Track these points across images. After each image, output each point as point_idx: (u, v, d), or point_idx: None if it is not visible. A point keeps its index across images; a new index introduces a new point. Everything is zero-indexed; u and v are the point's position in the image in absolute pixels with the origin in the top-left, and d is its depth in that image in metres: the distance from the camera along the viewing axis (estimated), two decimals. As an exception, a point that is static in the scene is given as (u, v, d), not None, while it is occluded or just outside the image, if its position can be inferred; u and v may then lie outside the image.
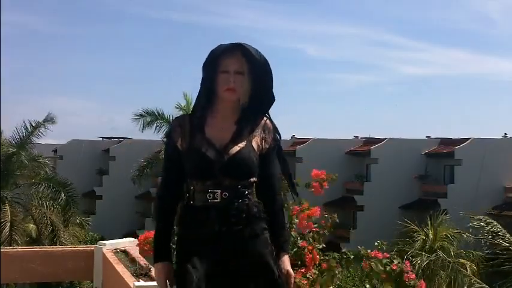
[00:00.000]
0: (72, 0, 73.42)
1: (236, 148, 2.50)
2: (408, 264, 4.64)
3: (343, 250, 4.81)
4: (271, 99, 2.63)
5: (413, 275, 4.55)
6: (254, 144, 2.54)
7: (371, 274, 4.59)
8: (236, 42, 2.53)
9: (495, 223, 10.43)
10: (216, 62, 2.53)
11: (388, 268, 4.57)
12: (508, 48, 68.21)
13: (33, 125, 19.75)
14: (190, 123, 2.58)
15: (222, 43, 2.55)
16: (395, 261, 4.60)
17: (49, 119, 19.97)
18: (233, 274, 2.46)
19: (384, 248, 4.77)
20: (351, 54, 71.44)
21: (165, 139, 2.64)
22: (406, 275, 4.53)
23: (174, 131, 2.59)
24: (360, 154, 37.59)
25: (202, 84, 2.59)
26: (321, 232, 4.80)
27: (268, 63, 2.56)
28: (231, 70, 2.52)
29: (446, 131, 69.10)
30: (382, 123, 73.60)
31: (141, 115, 23.02)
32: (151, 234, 5.48)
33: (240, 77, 2.52)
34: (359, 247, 4.87)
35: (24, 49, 70.26)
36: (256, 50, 2.53)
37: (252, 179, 2.53)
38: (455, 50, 67.63)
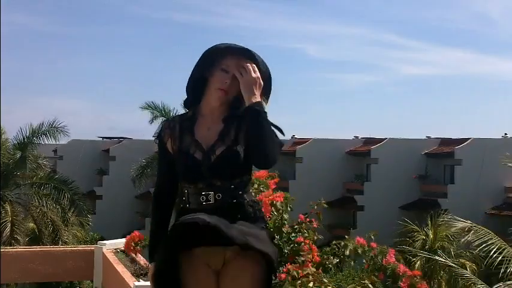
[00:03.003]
0: (72, 0, 73.45)
1: (222, 147, 2.47)
2: (392, 252, 4.66)
3: (334, 242, 4.85)
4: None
5: (393, 259, 4.57)
6: (241, 138, 2.49)
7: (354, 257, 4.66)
8: (245, 47, 2.48)
9: (479, 228, 10.38)
10: (218, 57, 2.49)
11: (369, 253, 4.62)
12: (508, 48, 68.29)
13: (38, 128, 19.75)
14: (180, 125, 2.56)
15: (227, 42, 2.51)
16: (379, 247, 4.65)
17: (54, 125, 19.98)
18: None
19: (373, 238, 4.82)
20: (351, 54, 71.49)
21: (156, 140, 2.62)
22: (384, 259, 4.56)
23: (164, 132, 2.58)
24: (360, 154, 37.57)
25: (195, 73, 2.55)
26: (313, 223, 4.84)
27: (270, 77, 2.53)
28: (231, 72, 2.48)
29: (447, 131, 69.15)
30: (382, 123, 73.59)
31: (149, 106, 22.52)
32: (137, 234, 5.51)
33: (236, 82, 2.48)
34: (346, 237, 4.92)
35: (24, 49, 70.28)
36: (263, 61, 2.50)
37: (245, 178, 2.51)
38: (455, 50, 67.69)
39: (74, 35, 69.10)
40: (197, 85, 2.55)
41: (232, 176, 2.46)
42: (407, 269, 4.60)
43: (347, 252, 4.66)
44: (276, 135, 2.43)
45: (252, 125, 2.40)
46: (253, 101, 2.41)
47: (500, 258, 9.82)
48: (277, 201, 4.77)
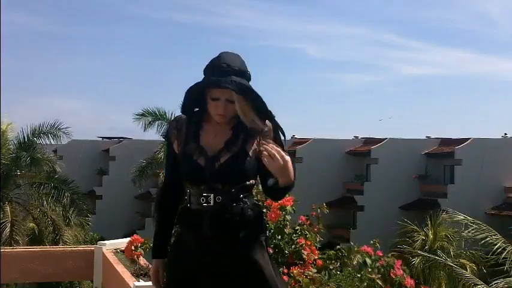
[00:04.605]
0: (72, 0, 73.46)
1: (228, 155, 2.49)
2: (399, 263, 4.64)
3: (338, 247, 4.84)
4: (271, 116, 2.55)
5: (401, 271, 4.56)
6: (249, 148, 2.51)
7: (361, 267, 4.63)
8: (224, 80, 2.43)
9: (484, 227, 10.29)
10: (206, 89, 2.50)
11: (376, 264, 4.60)
12: (508, 48, 68.29)
13: (39, 128, 19.77)
14: (187, 127, 2.59)
15: (213, 66, 2.49)
16: (386, 259, 4.63)
17: (56, 126, 20.02)
18: (224, 277, 2.46)
19: (379, 247, 4.80)
20: (351, 54, 71.47)
21: (164, 137, 2.68)
22: (392, 271, 4.55)
23: (171, 132, 2.62)
24: (360, 154, 37.59)
25: (190, 97, 2.54)
26: (314, 225, 4.83)
27: (252, 89, 2.47)
28: (222, 98, 2.48)
29: (447, 131, 69.18)
30: (382, 123, 73.60)
31: (142, 115, 22.83)
32: (136, 238, 5.50)
33: (230, 105, 2.49)
34: (351, 243, 4.91)
35: (24, 49, 70.28)
36: (241, 82, 2.45)
37: (248, 183, 2.52)
38: (455, 50, 67.69)
39: (74, 35, 69.16)
40: (199, 98, 2.56)
41: (234, 181, 2.49)
42: (413, 282, 4.59)
43: (354, 262, 4.65)
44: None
45: (280, 190, 2.46)
46: (287, 183, 2.41)
47: (504, 254, 9.78)
48: (288, 205, 4.74)
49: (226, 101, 2.49)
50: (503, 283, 9.76)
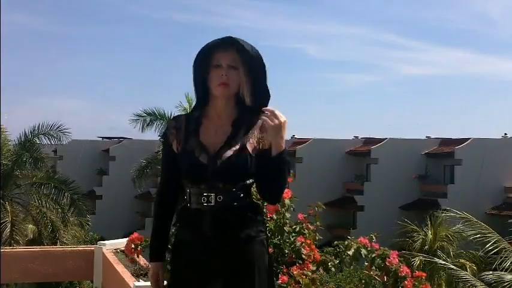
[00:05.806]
0: (72, 0, 73.46)
1: (229, 152, 2.46)
2: (395, 253, 4.63)
3: (336, 242, 4.84)
4: (267, 96, 2.57)
5: (397, 260, 4.55)
6: (249, 146, 2.49)
7: (356, 258, 4.64)
8: (228, 36, 2.48)
9: (478, 225, 10.24)
10: (208, 56, 2.50)
11: (372, 254, 4.59)
12: (508, 48, 68.29)
13: (41, 129, 19.78)
14: (186, 125, 2.56)
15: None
16: (382, 250, 4.64)
17: (56, 127, 20.04)
18: (225, 276, 2.46)
19: (374, 239, 4.81)
20: (351, 54, 71.46)
21: (161, 139, 2.65)
22: (388, 259, 4.53)
23: (170, 132, 2.59)
24: (360, 154, 37.58)
25: (194, 81, 2.56)
26: (314, 225, 4.83)
27: (262, 58, 2.51)
28: (224, 64, 2.47)
29: (447, 131, 69.21)
30: (382, 123, 73.61)
31: (140, 115, 22.88)
32: (136, 236, 5.50)
33: (233, 72, 2.48)
34: (349, 238, 4.91)
35: (24, 49, 70.27)
36: (250, 45, 2.49)
37: (248, 182, 2.50)
38: (455, 50, 67.68)
39: (74, 35, 69.18)
40: (200, 91, 2.57)
41: (236, 180, 2.47)
42: (409, 270, 4.58)
43: (350, 252, 4.63)
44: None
45: (273, 172, 2.45)
46: (279, 149, 2.42)
47: (495, 250, 9.75)
48: (285, 197, 4.72)
49: (229, 67, 2.47)
50: (491, 275, 9.75)
